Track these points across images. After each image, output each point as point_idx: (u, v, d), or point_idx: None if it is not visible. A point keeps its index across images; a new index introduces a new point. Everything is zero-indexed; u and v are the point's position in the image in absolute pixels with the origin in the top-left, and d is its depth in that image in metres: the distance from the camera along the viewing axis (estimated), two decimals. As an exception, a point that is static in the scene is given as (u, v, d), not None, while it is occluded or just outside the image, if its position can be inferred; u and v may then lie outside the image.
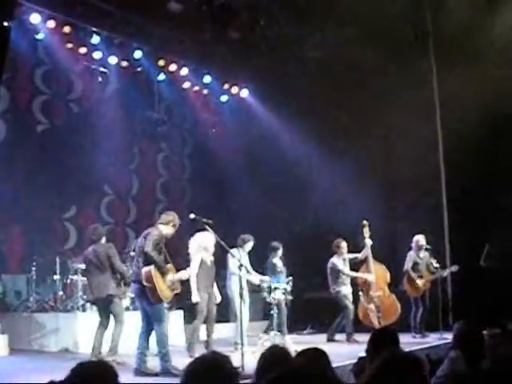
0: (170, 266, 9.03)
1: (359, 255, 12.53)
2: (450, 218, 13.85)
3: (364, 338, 5.04)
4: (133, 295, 9.75)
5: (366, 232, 12.48)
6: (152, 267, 8.61)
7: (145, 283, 8.58)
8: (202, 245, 10.50)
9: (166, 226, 9.04)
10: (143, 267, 8.65)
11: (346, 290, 12.31)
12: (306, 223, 14.10)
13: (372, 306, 12.34)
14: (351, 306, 12.25)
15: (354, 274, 12.47)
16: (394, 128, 13.58)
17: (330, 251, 12.57)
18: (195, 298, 10.40)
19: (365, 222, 12.52)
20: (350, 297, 12.34)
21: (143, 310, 8.87)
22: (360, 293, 12.49)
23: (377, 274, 12.47)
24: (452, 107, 12.64)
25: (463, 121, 12.30)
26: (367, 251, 12.47)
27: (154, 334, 8.83)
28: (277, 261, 12.07)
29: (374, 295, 12.38)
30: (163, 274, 8.79)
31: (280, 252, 12.15)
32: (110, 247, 10.08)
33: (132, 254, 11.86)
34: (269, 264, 12.02)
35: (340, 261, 12.38)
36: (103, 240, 10.20)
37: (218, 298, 10.94)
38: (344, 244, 12.41)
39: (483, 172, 12.95)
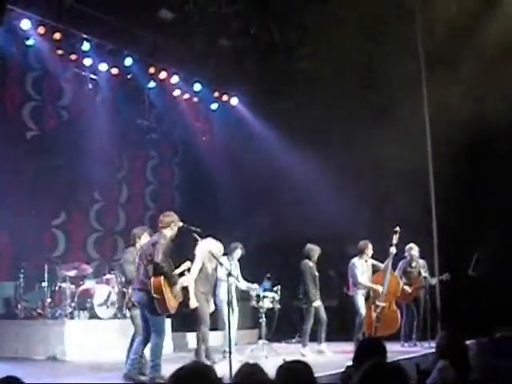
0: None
1: (382, 266, 12.26)
2: (438, 226, 13.78)
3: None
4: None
5: (395, 239, 12.14)
6: (162, 278, 8.48)
7: (154, 294, 8.43)
8: (209, 251, 10.19)
9: (168, 229, 8.88)
10: (152, 277, 8.50)
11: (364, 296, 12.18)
12: (296, 231, 14.04)
13: (374, 315, 12.17)
14: (363, 314, 12.05)
15: (365, 283, 12.14)
16: (383, 137, 13.53)
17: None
18: (193, 303, 10.22)
19: (397, 228, 12.18)
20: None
21: (144, 318, 8.73)
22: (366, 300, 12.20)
23: (389, 286, 12.17)
24: (441, 112, 12.61)
25: (452, 127, 12.24)
26: (389, 260, 12.17)
27: (150, 342, 8.69)
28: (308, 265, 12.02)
29: (379, 305, 12.12)
30: (172, 284, 8.70)
31: (316, 255, 12.10)
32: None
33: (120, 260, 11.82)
34: (302, 266, 11.98)
35: (360, 262, 12.16)
36: (139, 242, 9.58)
37: (212, 307, 10.85)
38: (371, 246, 12.18)
39: (473, 178, 12.95)
